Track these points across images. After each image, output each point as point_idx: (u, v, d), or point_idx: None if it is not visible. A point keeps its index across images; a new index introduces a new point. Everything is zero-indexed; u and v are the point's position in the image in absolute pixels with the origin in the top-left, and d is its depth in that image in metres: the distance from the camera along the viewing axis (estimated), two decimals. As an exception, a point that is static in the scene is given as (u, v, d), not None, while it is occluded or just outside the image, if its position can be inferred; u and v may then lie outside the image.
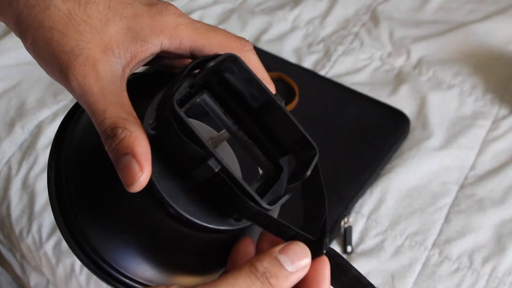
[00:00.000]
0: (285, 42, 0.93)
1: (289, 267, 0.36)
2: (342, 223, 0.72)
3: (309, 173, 0.40)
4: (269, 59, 0.89)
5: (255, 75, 0.39)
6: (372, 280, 0.71)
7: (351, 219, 0.73)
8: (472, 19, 0.95)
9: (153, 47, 0.39)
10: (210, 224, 0.38)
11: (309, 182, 0.42)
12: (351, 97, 0.84)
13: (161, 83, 0.40)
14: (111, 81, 0.38)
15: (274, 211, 0.44)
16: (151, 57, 0.40)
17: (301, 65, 0.90)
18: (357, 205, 0.74)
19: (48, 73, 0.40)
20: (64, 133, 0.41)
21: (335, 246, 0.71)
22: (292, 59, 0.91)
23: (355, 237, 0.72)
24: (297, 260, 0.37)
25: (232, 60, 0.39)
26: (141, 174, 0.36)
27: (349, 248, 0.70)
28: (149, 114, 0.38)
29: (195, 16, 0.97)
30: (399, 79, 0.88)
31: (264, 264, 0.36)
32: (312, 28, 0.95)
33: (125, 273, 0.39)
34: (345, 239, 0.71)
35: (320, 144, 0.86)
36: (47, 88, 0.86)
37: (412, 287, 0.68)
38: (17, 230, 0.76)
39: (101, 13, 0.39)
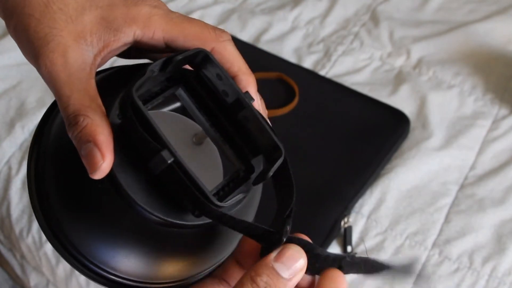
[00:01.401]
0: (285, 42, 0.93)
1: (286, 274, 0.37)
2: (342, 223, 0.72)
3: (270, 174, 0.39)
4: (269, 59, 0.89)
5: (224, 71, 0.39)
6: (372, 280, 0.71)
7: (351, 219, 0.73)
8: (472, 19, 0.95)
9: (125, 36, 0.40)
10: (167, 217, 0.38)
11: (278, 180, 0.41)
12: (351, 97, 0.84)
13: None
14: (80, 68, 0.39)
15: (248, 213, 0.44)
16: (124, 47, 0.40)
17: (301, 65, 0.90)
18: (357, 205, 0.74)
19: (25, 57, 0.41)
20: (43, 128, 0.42)
21: (335, 246, 0.71)
22: (292, 59, 0.91)
23: (355, 237, 0.72)
24: (292, 264, 0.37)
25: (202, 55, 0.39)
26: (103, 162, 0.36)
27: (349, 248, 0.70)
28: (116, 105, 0.38)
29: (195, 16, 0.97)
30: (399, 79, 0.88)
31: (264, 279, 0.37)
32: (312, 28, 0.95)
33: (97, 263, 0.39)
34: (345, 239, 0.71)
35: (320, 144, 0.86)
36: (47, 88, 0.85)
37: (412, 287, 0.68)
38: (17, 230, 0.76)
39: (77, 2, 0.40)
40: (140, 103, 0.36)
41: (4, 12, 0.41)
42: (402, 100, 0.85)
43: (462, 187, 0.76)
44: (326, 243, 0.70)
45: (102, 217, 0.39)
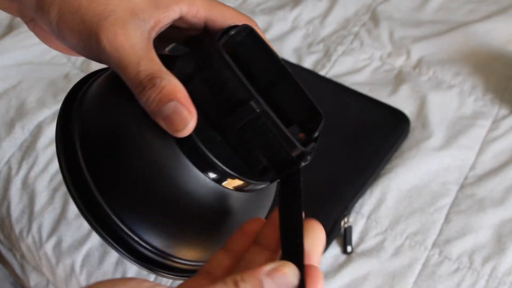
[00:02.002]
0: (285, 42, 0.93)
1: None
2: (342, 223, 0.72)
3: (316, 134, 0.41)
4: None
5: (269, 45, 0.42)
6: (372, 280, 0.71)
7: (351, 219, 0.73)
8: (472, 19, 0.95)
9: (173, 13, 0.41)
10: (242, 176, 0.39)
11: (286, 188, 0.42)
12: (351, 97, 0.84)
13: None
14: (140, 40, 0.39)
15: (265, 205, 0.45)
16: (171, 23, 0.42)
17: (301, 65, 0.90)
18: (357, 205, 0.74)
19: (73, 43, 0.41)
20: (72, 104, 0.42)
21: (335, 246, 0.71)
22: (292, 59, 0.91)
23: (355, 237, 0.72)
24: (282, 286, 0.34)
25: (249, 31, 0.41)
26: (191, 117, 0.37)
27: (349, 248, 0.70)
28: (177, 68, 0.39)
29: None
30: (399, 79, 0.88)
31: (247, 286, 0.33)
32: (312, 28, 0.95)
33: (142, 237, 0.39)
34: (345, 239, 0.71)
35: (320, 144, 0.86)
36: (47, 88, 0.86)
37: (412, 287, 0.68)
38: (17, 230, 0.76)
39: None
40: (228, 56, 0.37)
41: (43, 9, 0.41)
42: (402, 100, 0.85)
43: (462, 187, 0.76)
44: (326, 243, 0.70)
45: (167, 181, 0.39)
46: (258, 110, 0.37)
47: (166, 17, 0.41)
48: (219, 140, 0.39)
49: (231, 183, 0.40)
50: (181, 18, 0.42)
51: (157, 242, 0.40)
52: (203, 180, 0.39)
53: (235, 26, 0.41)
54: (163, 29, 0.42)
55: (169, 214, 0.39)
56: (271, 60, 0.41)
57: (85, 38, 0.40)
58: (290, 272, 0.34)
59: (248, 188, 0.41)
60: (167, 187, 0.39)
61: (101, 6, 0.40)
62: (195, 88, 0.38)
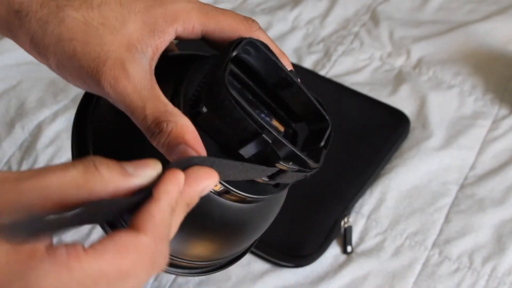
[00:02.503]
0: (285, 42, 0.93)
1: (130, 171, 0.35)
2: (342, 223, 0.72)
3: (323, 143, 0.44)
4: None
5: (272, 55, 0.41)
6: (372, 280, 0.71)
7: (351, 219, 0.73)
8: (472, 19, 0.95)
9: (169, 36, 0.40)
10: (251, 194, 0.41)
11: None
12: (351, 97, 0.84)
13: (182, 64, 0.42)
14: (142, 77, 0.38)
15: (274, 210, 0.47)
16: (168, 44, 0.41)
17: (301, 65, 0.90)
18: (357, 205, 0.74)
19: (77, 85, 0.40)
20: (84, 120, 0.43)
21: (335, 246, 0.71)
22: (292, 59, 0.91)
23: (355, 237, 0.72)
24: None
25: (250, 44, 0.41)
26: None
27: (349, 248, 0.70)
28: (185, 95, 0.39)
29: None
30: (399, 79, 0.88)
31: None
32: (312, 28, 0.95)
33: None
34: (345, 239, 0.71)
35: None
36: (47, 88, 0.86)
37: (412, 287, 0.68)
38: (17, 230, 0.76)
39: (115, 12, 0.39)
40: (235, 92, 0.38)
41: (36, 47, 0.40)
42: (402, 100, 0.85)
43: (462, 187, 0.76)
44: (326, 243, 0.70)
45: None
46: (270, 141, 0.38)
47: (163, 42, 0.40)
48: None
49: (231, 198, 0.41)
50: (177, 37, 0.41)
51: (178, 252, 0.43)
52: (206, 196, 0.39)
53: (237, 45, 0.40)
54: (161, 53, 0.41)
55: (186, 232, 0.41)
56: (276, 69, 0.42)
57: (88, 82, 0.39)
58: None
59: (251, 200, 0.42)
60: None
61: (96, 48, 0.38)
62: (205, 119, 0.39)
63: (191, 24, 0.41)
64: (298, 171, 0.41)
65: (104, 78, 0.38)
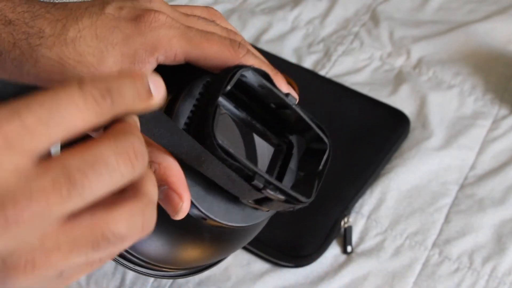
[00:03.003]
0: (285, 42, 0.93)
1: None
2: (342, 223, 0.72)
3: (321, 167, 0.44)
4: (269, 59, 0.88)
5: (266, 82, 0.40)
6: (372, 280, 0.71)
7: (351, 219, 0.73)
8: (472, 19, 0.95)
9: (150, 66, 0.38)
10: (236, 223, 0.41)
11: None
12: (351, 97, 0.84)
13: (175, 79, 0.40)
14: None
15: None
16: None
17: (301, 65, 0.90)
18: (357, 205, 0.74)
19: None
20: None
21: (335, 246, 0.71)
22: (292, 59, 0.91)
23: (355, 237, 0.72)
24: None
25: (243, 74, 0.40)
26: (182, 203, 0.36)
27: (349, 248, 0.70)
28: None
29: (195, 16, 0.97)
30: (399, 79, 0.88)
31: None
32: (312, 28, 0.95)
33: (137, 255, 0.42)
34: (345, 239, 0.71)
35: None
36: (47, 88, 0.86)
37: (412, 287, 0.68)
38: (17, 230, 0.76)
39: (91, 46, 0.37)
40: (224, 144, 0.37)
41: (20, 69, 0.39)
42: (402, 100, 0.85)
43: (462, 187, 0.76)
44: (326, 243, 0.70)
45: (169, 226, 0.40)
46: (261, 186, 0.37)
47: (145, 72, 0.39)
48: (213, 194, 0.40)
49: (213, 223, 0.41)
50: (160, 64, 0.39)
51: (152, 258, 0.43)
52: (192, 219, 0.40)
53: (226, 82, 0.38)
54: None
55: (162, 242, 0.41)
56: (272, 95, 0.41)
57: None
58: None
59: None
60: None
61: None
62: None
63: (173, 52, 0.38)
64: (285, 201, 0.40)
65: None
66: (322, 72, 0.89)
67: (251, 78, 0.40)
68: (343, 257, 0.70)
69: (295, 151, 0.44)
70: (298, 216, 0.72)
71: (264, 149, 0.44)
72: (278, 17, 0.96)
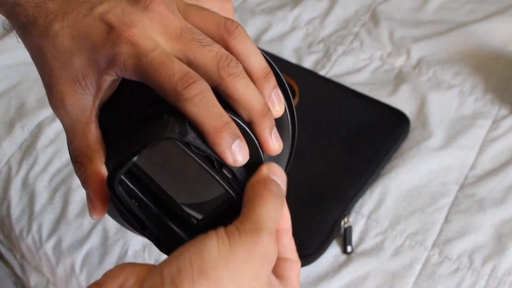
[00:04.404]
0: (285, 42, 0.93)
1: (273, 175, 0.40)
2: (342, 223, 0.72)
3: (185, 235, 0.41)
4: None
5: (194, 157, 0.38)
6: (372, 280, 0.71)
7: (351, 219, 0.73)
8: (472, 19, 0.95)
9: (110, 76, 0.40)
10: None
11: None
12: (351, 97, 0.84)
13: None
14: (80, 112, 0.40)
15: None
16: (116, 83, 0.40)
17: (301, 65, 0.90)
18: (357, 205, 0.74)
19: None
20: None
21: (335, 246, 0.71)
22: (292, 59, 0.91)
23: (355, 237, 0.72)
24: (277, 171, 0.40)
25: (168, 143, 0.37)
26: (93, 211, 0.39)
27: (349, 248, 0.70)
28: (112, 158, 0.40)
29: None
30: (399, 79, 0.88)
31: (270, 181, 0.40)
32: (312, 28, 0.95)
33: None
34: (345, 239, 0.71)
35: (320, 144, 0.86)
36: (47, 88, 0.86)
37: (412, 287, 0.68)
38: (17, 230, 0.76)
39: (65, 46, 0.40)
40: (125, 196, 0.38)
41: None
42: (402, 100, 0.85)
43: (462, 187, 0.76)
44: (326, 243, 0.70)
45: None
46: (152, 237, 0.39)
47: (105, 81, 0.39)
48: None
49: None
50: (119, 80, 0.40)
51: None
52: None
53: (142, 148, 0.37)
54: (109, 90, 0.40)
55: None
56: (195, 159, 0.38)
57: None
58: (277, 166, 0.40)
59: None
60: None
61: (47, 77, 0.40)
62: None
63: (128, 71, 0.39)
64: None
65: (50, 103, 0.41)
66: (322, 72, 0.89)
67: (171, 144, 0.38)
68: (343, 257, 0.70)
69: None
70: (298, 216, 0.72)
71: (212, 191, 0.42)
72: (278, 17, 0.96)
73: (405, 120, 0.81)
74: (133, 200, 0.39)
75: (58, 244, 0.73)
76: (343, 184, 0.75)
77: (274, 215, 0.37)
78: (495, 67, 0.89)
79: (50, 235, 0.74)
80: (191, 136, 0.37)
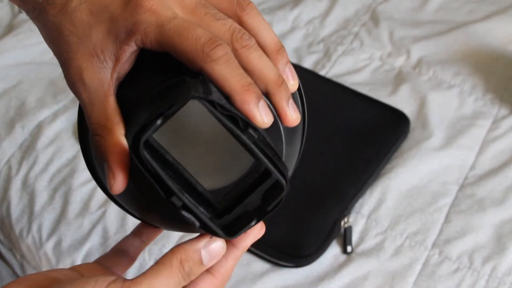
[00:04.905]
0: (285, 42, 0.93)
1: (207, 262, 0.41)
2: (342, 223, 0.72)
3: (270, 209, 0.38)
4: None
5: (219, 117, 0.37)
6: (372, 280, 0.71)
7: (351, 219, 0.73)
8: (472, 19, 0.95)
9: (130, 47, 0.40)
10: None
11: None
12: (351, 97, 0.84)
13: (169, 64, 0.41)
14: (98, 86, 0.40)
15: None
16: (134, 53, 0.40)
17: (301, 65, 0.90)
18: (357, 205, 0.74)
19: None
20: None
21: (335, 246, 0.71)
22: (292, 59, 0.91)
23: (355, 237, 0.72)
24: (215, 257, 0.41)
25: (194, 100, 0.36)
26: (114, 183, 0.38)
27: (349, 248, 0.70)
28: (138, 122, 0.39)
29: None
30: (399, 79, 0.88)
31: (190, 264, 0.40)
32: (312, 28, 0.95)
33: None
34: (345, 239, 0.71)
35: (320, 144, 0.86)
36: (47, 88, 0.86)
37: (412, 287, 0.68)
38: (17, 230, 0.76)
39: (84, 21, 0.40)
40: (150, 159, 0.36)
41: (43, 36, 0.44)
42: (402, 100, 0.85)
43: (462, 187, 0.76)
44: (326, 243, 0.70)
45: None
46: (179, 205, 0.37)
47: (124, 52, 0.40)
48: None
49: None
50: (141, 48, 0.40)
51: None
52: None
53: (171, 104, 0.36)
54: (128, 63, 0.40)
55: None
56: (225, 126, 0.37)
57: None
58: (220, 246, 0.41)
59: None
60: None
61: (64, 54, 0.41)
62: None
63: (148, 40, 0.39)
64: (202, 228, 0.38)
65: (67, 81, 0.41)
66: (322, 72, 0.89)
67: (194, 109, 0.37)
68: (343, 257, 0.70)
69: (271, 179, 0.38)
70: (298, 216, 0.72)
71: (238, 162, 0.40)
72: (278, 17, 0.96)
73: (405, 120, 0.81)
74: (158, 166, 0.37)
75: (58, 244, 0.73)
76: (343, 184, 0.75)
77: None
78: (495, 67, 0.89)
79: (50, 235, 0.74)
80: (216, 96, 0.37)
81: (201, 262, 0.40)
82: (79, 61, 0.40)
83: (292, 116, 0.41)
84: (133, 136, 0.36)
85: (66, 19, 0.41)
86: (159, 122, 0.36)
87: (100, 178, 0.44)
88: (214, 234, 0.38)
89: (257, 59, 0.40)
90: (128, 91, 0.41)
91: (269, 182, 0.38)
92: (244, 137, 0.36)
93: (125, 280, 0.39)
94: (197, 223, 0.38)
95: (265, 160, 0.37)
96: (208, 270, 0.42)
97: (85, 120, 0.42)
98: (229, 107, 0.37)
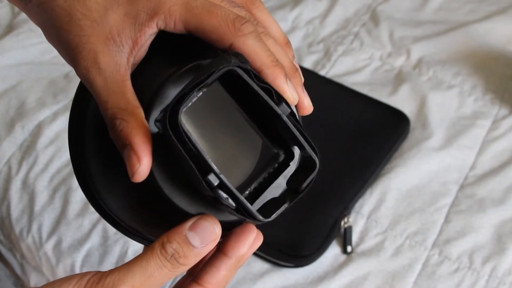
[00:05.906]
0: (285, 42, 0.93)
1: (198, 244, 0.38)
2: (342, 223, 0.72)
3: (303, 187, 0.38)
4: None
5: (255, 87, 0.37)
6: (372, 280, 0.71)
7: (351, 219, 0.73)
8: (472, 19, 0.95)
9: (150, 29, 0.39)
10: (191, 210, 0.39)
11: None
12: (351, 97, 0.84)
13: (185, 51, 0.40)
14: (114, 71, 0.38)
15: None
16: (152, 37, 0.40)
17: (301, 65, 0.90)
18: (357, 205, 0.74)
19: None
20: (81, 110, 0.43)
21: (335, 246, 0.71)
22: (292, 59, 0.91)
23: (355, 237, 0.72)
24: (206, 236, 0.38)
25: (230, 73, 0.36)
26: (139, 166, 0.36)
27: (349, 248, 0.70)
28: (155, 109, 0.38)
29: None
30: (399, 79, 0.88)
31: (174, 246, 0.37)
32: (312, 28, 0.95)
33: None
34: (345, 239, 0.71)
35: (320, 144, 0.86)
36: (47, 88, 0.86)
37: (412, 287, 0.68)
38: (17, 230, 0.76)
39: (99, 4, 0.39)
40: (189, 132, 0.35)
41: (43, 31, 0.43)
42: (402, 100, 0.85)
43: (462, 187, 0.76)
44: (326, 243, 0.70)
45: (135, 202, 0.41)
46: (214, 184, 0.35)
47: (143, 35, 0.39)
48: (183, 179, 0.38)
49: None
50: (161, 31, 0.40)
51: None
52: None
53: (209, 74, 0.36)
54: (145, 46, 0.40)
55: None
56: (259, 100, 0.37)
57: (72, 66, 0.40)
58: (208, 222, 0.38)
59: None
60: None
61: (76, 38, 0.39)
62: (163, 138, 0.37)
63: (172, 19, 0.39)
64: (237, 211, 0.37)
65: (78, 67, 0.39)
66: (322, 72, 0.89)
67: (237, 75, 0.37)
68: (343, 257, 0.70)
69: (293, 163, 0.39)
70: (298, 216, 0.72)
71: (255, 150, 0.40)
72: (278, 17, 0.96)
73: (405, 120, 0.81)
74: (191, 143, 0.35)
75: (58, 244, 0.73)
76: (343, 184, 0.75)
77: (146, 280, 0.38)
78: (495, 67, 0.89)
79: (50, 235, 0.74)
80: (250, 66, 0.37)
81: (188, 243, 0.37)
82: (94, 44, 0.38)
83: (308, 103, 0.42)
84: (171, 108, 0.35)
85: (79, 3, 0.39)
86: (195, 93, 0.35)
87: (101, 204, 0.42)
88: (250, 216, 0.37)
89: (273, 46, 0.40)
90: (142, 78, 0.40)
91: (293, 167, 0.38)
92: (279, 110, 0.37)
93: (105, 271, 0.38)
94: (233, 204, 0.36)
95: (299, 134, 0.37)
96: (198, 281, 0.40)
97: (77, 147, 0.40)
98: (264, 79, 0.37)
